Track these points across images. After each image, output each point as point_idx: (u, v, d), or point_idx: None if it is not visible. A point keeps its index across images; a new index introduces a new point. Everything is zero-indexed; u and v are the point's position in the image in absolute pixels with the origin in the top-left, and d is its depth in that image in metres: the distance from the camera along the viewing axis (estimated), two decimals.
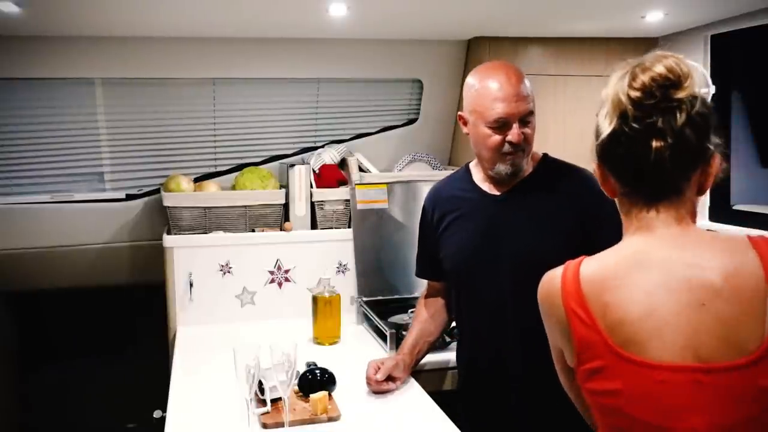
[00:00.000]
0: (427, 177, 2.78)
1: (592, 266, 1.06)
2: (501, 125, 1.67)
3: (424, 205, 1.98)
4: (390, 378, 1.87)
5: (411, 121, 3.04)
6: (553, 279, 1.08)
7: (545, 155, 1.83)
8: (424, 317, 2.00)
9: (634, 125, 1.00)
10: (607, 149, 1.04)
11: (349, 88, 2.93)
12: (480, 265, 1.76)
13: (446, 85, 2.96)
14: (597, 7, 2.28)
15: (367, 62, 2.83)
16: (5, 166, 2.69)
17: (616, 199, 1.10)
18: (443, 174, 2.81)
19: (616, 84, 1.05)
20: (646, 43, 2.84)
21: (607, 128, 1.03)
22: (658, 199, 1.04)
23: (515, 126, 1.66)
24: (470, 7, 2.24)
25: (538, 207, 1.73)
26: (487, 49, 2.75)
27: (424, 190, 2.71)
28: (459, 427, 1.65)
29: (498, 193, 1.78)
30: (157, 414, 1.96)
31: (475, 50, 2.83)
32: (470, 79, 1.74)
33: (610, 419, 1.04)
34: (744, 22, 2.40)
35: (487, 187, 1.81)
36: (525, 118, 1.67)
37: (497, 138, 1.68)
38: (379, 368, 1.87)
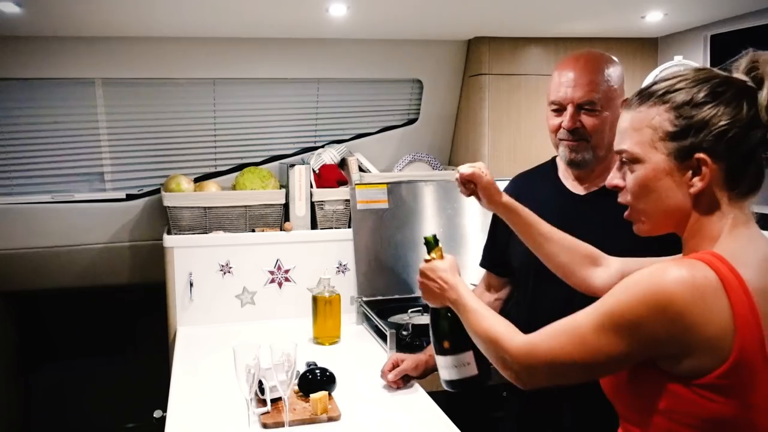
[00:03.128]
0: (427, 177, 2.79)
1: (747, 266, 0.97)
2: (557, 108, 1.64)
3: (504, 191, 1.89)
4: (406, 377, 1.87)
5: (411, 121, 3.04)
6: (693, 279, 0.94)
7: None
8: None
9: None
10: (746, 138, 0.98)
11: (349, 88, 2.93)
12: (548, 269, 1.60)
13: (446, 85, 2.96)
14: (597, 7, 2.29)
15: (367, 62, 2.84)
16: (5, 166, 2.69)
17: (692, 191, 1.01)
18: (443, 174, 2.83)
19: None
20: (646, 43, 2.84)
21: (743, 115, 0.98)
22: (755, 193, 1.03)
23: (568, 110, 1.60)
24: (470, 7, 2.24)
25: (618, 217, 1.52)
26: (487, 49, 2.75)
27: (425, 190, 2.72)
28: (462, 428, 1.64)
29: (581, 193, 1.68)
30: (157, 414, 1.95)
31: (475, 50, 2.83)
32: None
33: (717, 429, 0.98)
34: (744, 22, 2.40)
35: (570, 183, 1.71)
36: (583, 105, 1.59)
37: (555, 121, 1.65)
38: (397, 365, 1.87)
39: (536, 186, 1.78)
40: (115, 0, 2.03)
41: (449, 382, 1.42)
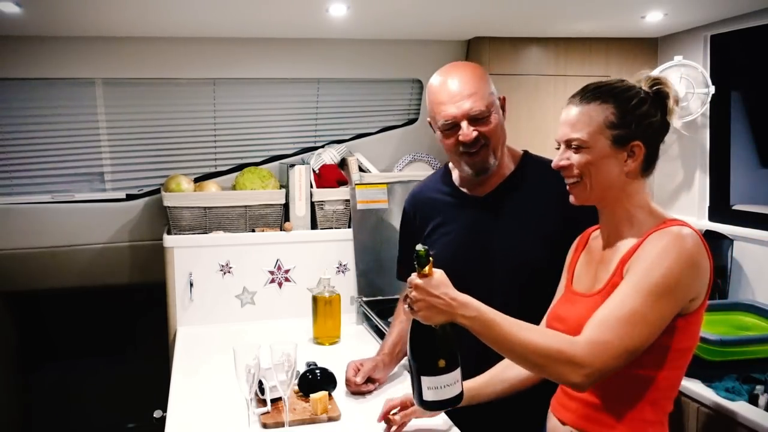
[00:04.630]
0: None
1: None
2: (451, 127, 1.65)
3: (405, 208, 1.92)
4: (370, 380, 1.86)
5: (411, 121, 3.04)
6: (695, 235, 1.25)
7: (526, 153, 1.79)
8: (405, 317, 1.94)
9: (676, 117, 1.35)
10: (660, 133, 1.33)
11: (349, 88, 2.93)
12: (468, 272, 1.62)
13: None
14: (597, 7, 2.29)
15: (367, 62, 2.84)
16: (5, 166, 2.69)
17: (626, 169, 1.31)
18: None
19: (672, 84, 1.34)
20: (646, 43, 2.84)
21: (659, 116, 1.32)
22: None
23: (464, 125, 1.62)
24: (470, 8, 2.25)
25: (523, 209, 1.68)
26: (487, 49, 2.75)
27: None
28: (461, 427, 1.64)
29: (480, 195, 1.73)
30: (157, 414, 1.96)
31: (475, 50, 2.83)
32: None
33: (692, 342, 1.31)
34: (744, 22, 2.40)
35: (467, 188, 1.75)
36: (476, 117, 1.62)
37: (450, 141, 1.66)
38: (358, 370, 1.86)
39: (434, 194, 1.82)
40: (115, 0, 2.03)
41: (433, 403, 1.32)
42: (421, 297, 1.26)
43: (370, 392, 1.86)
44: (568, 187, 1.36)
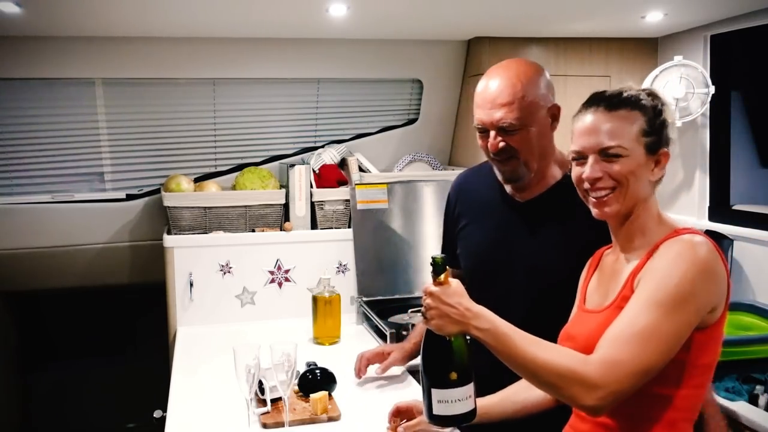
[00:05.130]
0: (427, 177, 2.79)
1: None
2: (482, 131, 1.60)
3: (449, 193, 1.87)
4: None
5: (411, 121, 3.04)
6: (708, 243, 1.20)
7: None
8: None
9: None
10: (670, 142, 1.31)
11: (349, 88, 2.93)
12: (492, 272, 1.65)
13: (446, 85, 2.96)
14: (597, 7, 2.29)
15: (367, 62, 2.84)
16: (5, 166, 2.69)
17: (653, 179, 1.29)
18: (443, 174, 2.83)
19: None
20: (646, 43, 2.84)
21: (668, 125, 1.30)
22: None
23: (491, 134, 1.57)
24: (470, 8, 2.24)
25: (560, 221, 1.60)
26: (487, 49, 2.75)
27: (425, 190, 2.72)
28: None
29: (521, 200, 1.66)
30: (157, 414, 1.96)
31: (475, 50, 2.83)
32: None
33: (712, 358, 1.23)
34: (744, 22, 2.40)
35: (510, 188, 1.68)
36: (505, 128, 1.54)
37: (482, 143, 1.62)
38: (383, 355, 1.90)
39: (478, 187, 1.77)
40: (115, 0, 2.03)
41: (443, 418, 1.27)
42: (435, 305, 1.23)
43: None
44: (596, 201, 1.28)
